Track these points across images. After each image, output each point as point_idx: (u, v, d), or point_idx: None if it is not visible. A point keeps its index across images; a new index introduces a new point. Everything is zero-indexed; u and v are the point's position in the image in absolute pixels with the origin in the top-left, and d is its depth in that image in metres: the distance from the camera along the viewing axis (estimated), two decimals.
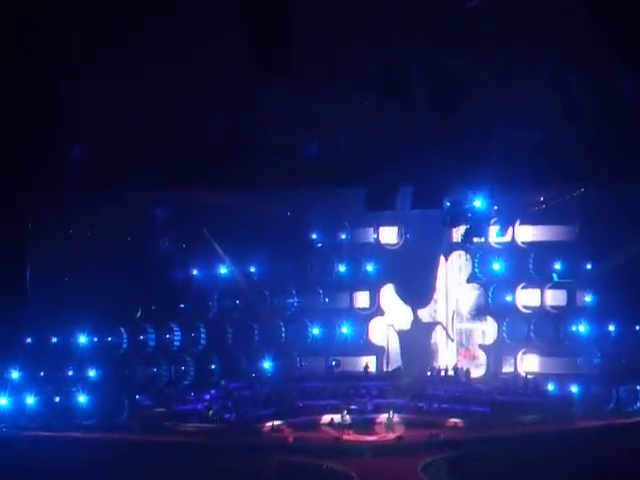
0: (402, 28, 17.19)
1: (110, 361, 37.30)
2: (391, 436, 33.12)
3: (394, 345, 42.63)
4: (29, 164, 22.11)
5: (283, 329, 42.16)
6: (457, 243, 41.04)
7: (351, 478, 27.51)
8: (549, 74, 20.64)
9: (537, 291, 41.91)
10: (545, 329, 41.36)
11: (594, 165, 24.01)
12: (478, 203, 30.08)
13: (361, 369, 41.48)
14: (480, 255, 42.22)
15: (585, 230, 39.62)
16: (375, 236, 42.79)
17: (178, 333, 40.31)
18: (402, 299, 42.76)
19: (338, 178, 25.14)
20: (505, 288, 42.22)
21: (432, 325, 43.11)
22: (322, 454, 30.29)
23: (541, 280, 41.57)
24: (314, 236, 42.18)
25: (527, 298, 42.20)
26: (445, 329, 43.14)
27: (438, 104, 19.46)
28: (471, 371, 41.14)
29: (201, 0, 16.37)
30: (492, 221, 36.99)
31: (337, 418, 34.57)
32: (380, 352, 42.56)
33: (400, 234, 42.69)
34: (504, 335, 42.12)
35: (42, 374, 35.96)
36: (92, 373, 36.36)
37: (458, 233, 38.50)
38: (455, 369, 41.08)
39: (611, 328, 39.38)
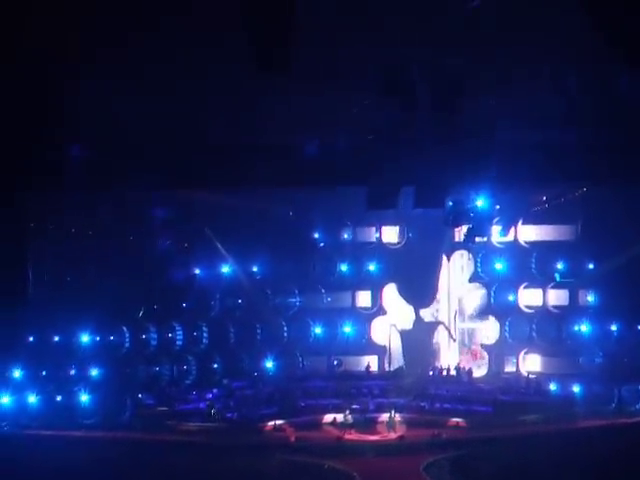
0: (402, 28, 17.14)
1: (112, 360, 37.39)
2: (393, 436, 33.15)
3: (396, 344, 42.63)
4: (29, 164, 22.10)
5: (285, 328, 42.15)
6: (459, 242, 41.09)
7: (353, 478, 27.53)
8: (549, 74, 20.62)
9: (539, 291, 41.97)
10: (547, 329, 41.39)
11: (595, 165, 23.96)
12: (480, 203, 29.98)
13: (363, 368, 41.44)
14: (482, 255, 42.25)
15: (587, 230, 39.69)
16: (377, 235, 42.76)
17: (180, 332, 40.36)
18: (404, 298, 42.75)
19: (339, 178, 25.06)
20: (507, 288, 42.25)
21: (434, 325, 43.15)
22: (324, 453, 30.32)
23: (543, 280, 41.61)
24: (316, 235, 42.15)
25: (529, 298, 42.22)
26: (447, 329, 43.16)
27: (439, 104, 19.44)
28: (473, 371, 41.15)
29: (201, 0, 16.35)
30: (494, 221, 36.91)
31: (339, 417, 34.66)
32: (382, 352, 42.55)
33: (402, 233, 42.68)
34: (506, 335, 42.13)
35: (44, 373, 36.02)
36: (94, 372, 36.44)
37: (460, 232, 38.50)
38: (457, 369, 41.06)
39: (613, 328, 39.44)
